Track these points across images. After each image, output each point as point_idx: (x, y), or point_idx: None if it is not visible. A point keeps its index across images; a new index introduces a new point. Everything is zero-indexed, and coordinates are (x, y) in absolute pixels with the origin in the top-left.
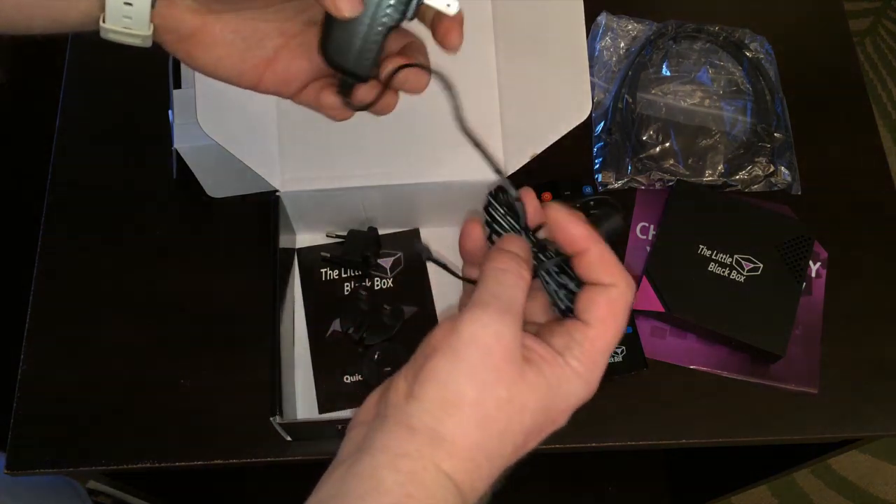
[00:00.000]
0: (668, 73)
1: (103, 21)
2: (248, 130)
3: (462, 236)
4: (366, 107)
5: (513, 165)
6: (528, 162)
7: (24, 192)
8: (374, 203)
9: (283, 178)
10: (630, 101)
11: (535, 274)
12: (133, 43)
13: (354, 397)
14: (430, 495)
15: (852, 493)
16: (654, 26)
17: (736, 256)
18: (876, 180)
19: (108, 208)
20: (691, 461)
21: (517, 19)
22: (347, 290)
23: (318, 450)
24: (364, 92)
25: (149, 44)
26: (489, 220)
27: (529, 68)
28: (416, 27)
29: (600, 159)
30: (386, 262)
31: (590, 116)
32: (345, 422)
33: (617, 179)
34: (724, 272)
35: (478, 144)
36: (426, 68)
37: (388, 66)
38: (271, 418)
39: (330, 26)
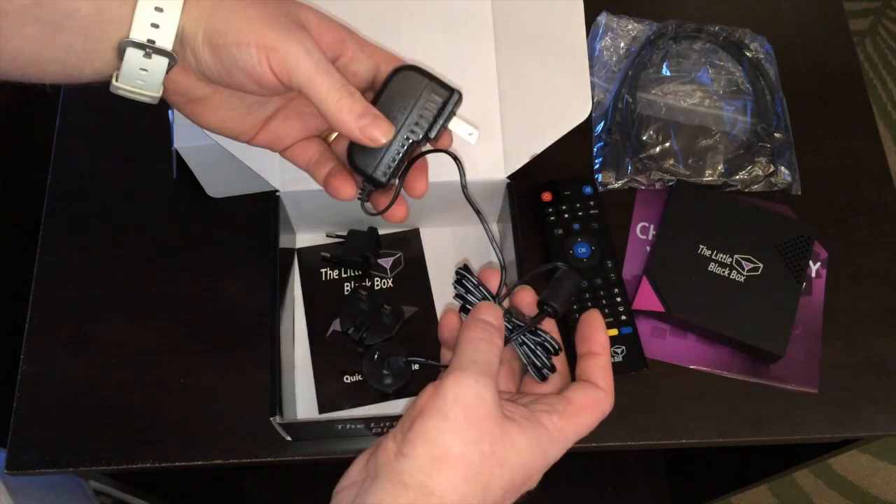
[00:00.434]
0: (668, 73)
1: (116, 80)
2: None
3: (441, 326)
4: (380, 212)
5: (513, 165)
6: (528, 162)
7: (24, 192)
8: None
9: (283, 178)
10: (630, 101)
11: (507, 341)
12: (141, 101)
13: (354, 397)
14: None
15: (852, 493)
16: (654, 26)
17: (736, 256)
18: (876, 180)
19: (108, 208)
20: (691, 461)
21: (517, 19)
22: (347, 290)
23: (318, 450)
24: (378, 198)
25: (156, 102)
26: (461, 292)
27: (529, 68)
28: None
29: (600, 159)
30: (386, 262)
31: (590, 116)
32: (345, 421)
33: (617, 179)
34: (724, 272)
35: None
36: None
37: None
38: (271, 418)
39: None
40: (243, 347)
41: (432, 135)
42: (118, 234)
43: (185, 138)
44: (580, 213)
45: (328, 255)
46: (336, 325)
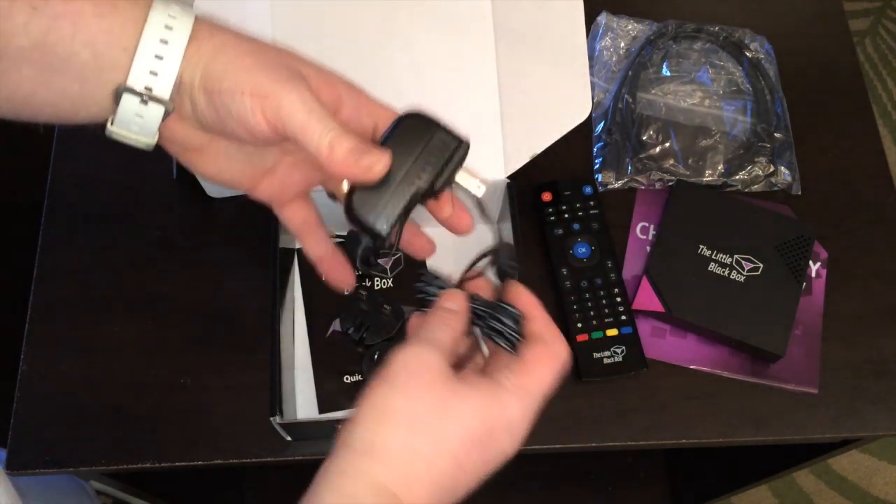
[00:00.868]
0: (668, 73)
1: (111, 124)
2: None
3: (409, 330)
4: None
5: (513, 165)
6: (528, 162)
7: (24, 192)
8: None
9: None
10: (630, 101)
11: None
12: (135, 146)
13: (354, 397)
14: None
15: (852, 493)
16: (654, 26)
17: (736, 256)
18: (876, 180)
19: (108, 208)
20: (691, 461)
21: (517, 19)
22: (347, 290)
23: (318, 450)
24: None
25: (151, 149)
26: (422, 287)
27: (529, 68)
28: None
29: (600, 159)
30: (386, 262)
31: (590, 116)
32: (345, 421)
33: (617, 179)
34: (724, 272)
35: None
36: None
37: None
38: (271, 418)
39: (357, 189)
40: (243, 347)
41: (437, 186)
42: (118, 235)
43: None
44: (580, 213)
45: None
46: (336, 325)
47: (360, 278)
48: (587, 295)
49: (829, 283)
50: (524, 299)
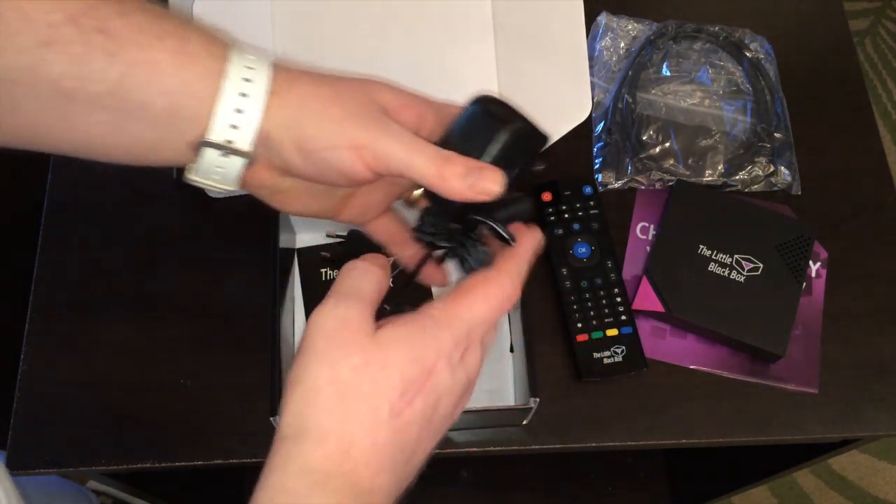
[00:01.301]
0: (668, 73)
1: (191, 173)
2: None
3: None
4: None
5: None
6: None
7: (24, 193)
8: None
9: None
10: (630, 101)
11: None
12: (217, 190)
13: None
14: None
15: (852, 493)
16: (654, 26)
17: (736, 256)
18: (876, 180)
19: (108, 208)
20: (691, 461)
21: (517, 19)
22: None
23: None
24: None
25: (234, 193)
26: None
27: (529, 68)
28: None
29: (600, 159)
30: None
31: (590, 116)
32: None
33: (617, 179)
34: (724, 272)
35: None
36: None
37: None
38: (271, 418)
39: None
40: (243, 347)
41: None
42: (118, 234)
43: None
44: (580, 213)
45: (328, 255)
46: None
47: None
48: (587, 295)
49: (829, 283)
50: (527, 235)
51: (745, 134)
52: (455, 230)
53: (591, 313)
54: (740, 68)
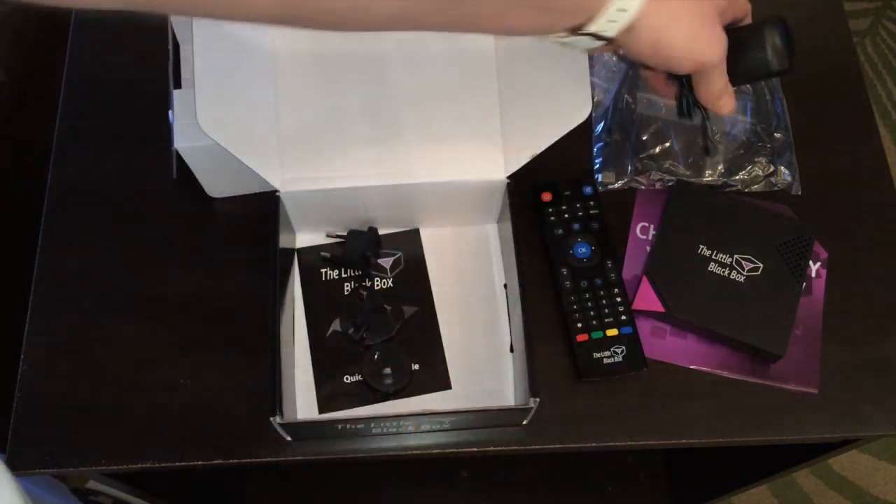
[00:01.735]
0: None
1: (550, 39)
2: (248, 130)
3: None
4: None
5: (513, 165)
6: (528, 162)
7: (24, 192)
8: (374, 203)
9: (283, 178)
10: (630, 100)
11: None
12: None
13: (354, 397)
14: None
15: (852, 493)
16: None
17: (736, 256)
18: (876, 180)
19: (108, 208)
20: (691, 461)
21: None
22: (347, 290)
23: (318, 450)
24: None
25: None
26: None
27: (529, 68)
28: None
29: (600, 159)
30: (386, 262)
31: (590, 116)
32: (345, 421)
33: (617, 179)
34: (724, 272)
35: None
36: None
37: None
38: (271, 418)
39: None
40: (243, 347)
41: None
42: (118, 235)
43: (185, 138)
44: (580, 213)
45: (328, 255)
46: (336, 325)
47: (359, 278)
48: (587, 295)
49: (829, 283)
50: None
51: (744, 134)
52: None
53: (591, 313)
54: None
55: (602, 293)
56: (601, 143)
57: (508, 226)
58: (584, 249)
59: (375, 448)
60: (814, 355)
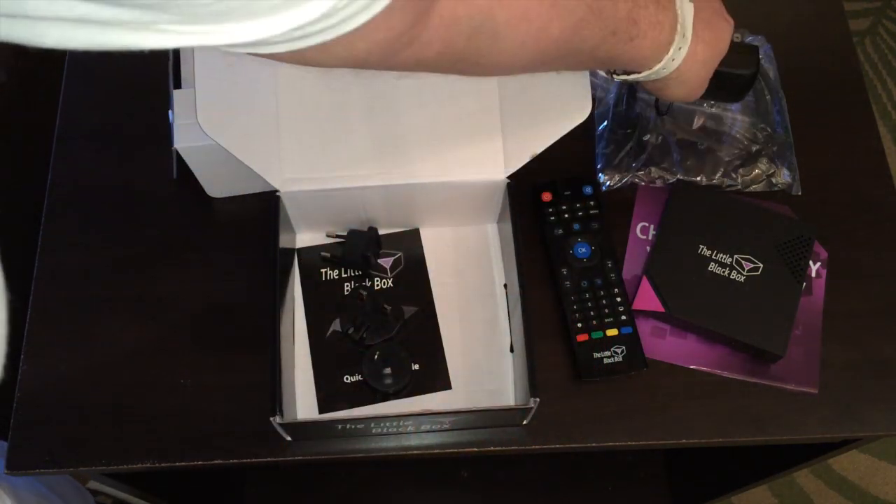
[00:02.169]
0: None
1: (613, 73)
2: (248, 130)
3: None
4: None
5: (513, 165)
6: (528, 162)
7: (24, 192)
8: (374, 203)
9: (283, 178)
10: (630, 101)
11: None
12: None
13: (354, 397)
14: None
15: (852, 493)
16: None
17: (736, 256)
18: (876, 180)
19: (108, 208)
20: (691, 461)
21: None
22: (347, 290)
23: (318, 450)
24: None
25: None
26: None
27: None
28: None
29: (601, 159)
30: (386, 262)
31: (590, 116)
32: (345, 421)
33: (617, 179)
34: (724, 272)
35: None
36: None
37: None
38: (271, 418)
39: None
40: (243, 347)
41: None
42: (118, 234)
43: (185, 138)
44: (580, 213)
45: (328, 255)
46: (336, 325)
47: (359, 278)
48: (587, 295)
49: (829, 283)
50: None
51: (745, 134)
52: None
53: (591, 313)
54: None
55: (602, 293)
56: (602, 143)
57: (508, 226)
58: (584, 249)
59: (375, 448)
60: (814, 355)
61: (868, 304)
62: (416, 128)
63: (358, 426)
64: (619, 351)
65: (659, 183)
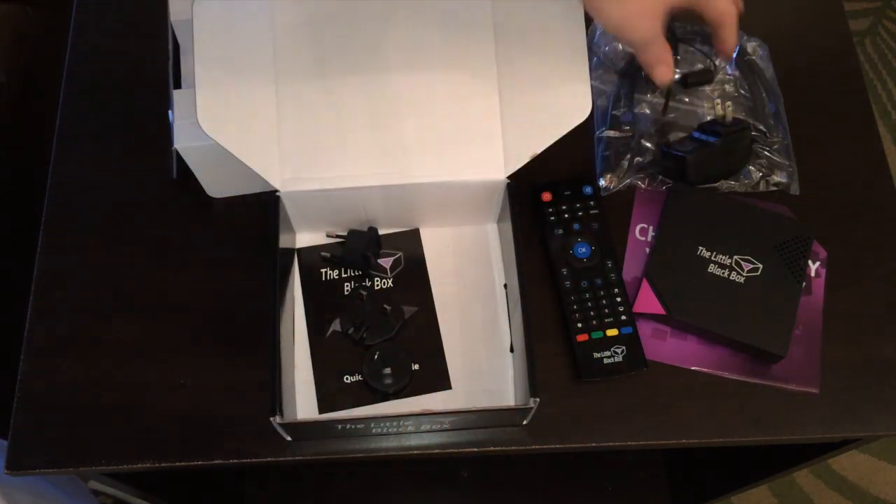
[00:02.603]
0: None
1: None
2: (248, 130)
3: None
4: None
5: (513, 165)
6: (529, 162)
7: (24, 192)
8: (374, 203)
9: (283, 178)
10: (630, 102)
11: None
12: None
13: (354, 397)
14: None
15: (852, 493)
16: None
17: (735, 257)
18: (876, 180)
19: (108, 208)
20: (691, 461)
21: (517, 19)
22: (347, 290)
23: (318, 450)
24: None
25: None
26: None
27: (529, 68)
28: None
29: (600, 159)
30: (386, 262)
31: (590, 116)
32: (345, 421)
33: (617, 180)
34: (723, 273)
35: None
36: None
37: None
38: (271, 418)
39: None
40: (243, 347)
41: None
42: (118, 235)
43: (185, 138)
44: (580, 213)
45: (328, 255)
46: (336, 325)
47: (359, 278)
48: (587, 295)
49: (829, 283)
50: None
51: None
52: None
53: (591, 313)
54: (738, 69)
55: (602, 293)
56: (601, 144)
57: (508, 226)
58: (584, 249)
59: (375, 448)
60: (814, 355)
61: (868, 304)
62: (416, 128)
63: (358, 426)
64: (619, 351)
65: (657, 185)
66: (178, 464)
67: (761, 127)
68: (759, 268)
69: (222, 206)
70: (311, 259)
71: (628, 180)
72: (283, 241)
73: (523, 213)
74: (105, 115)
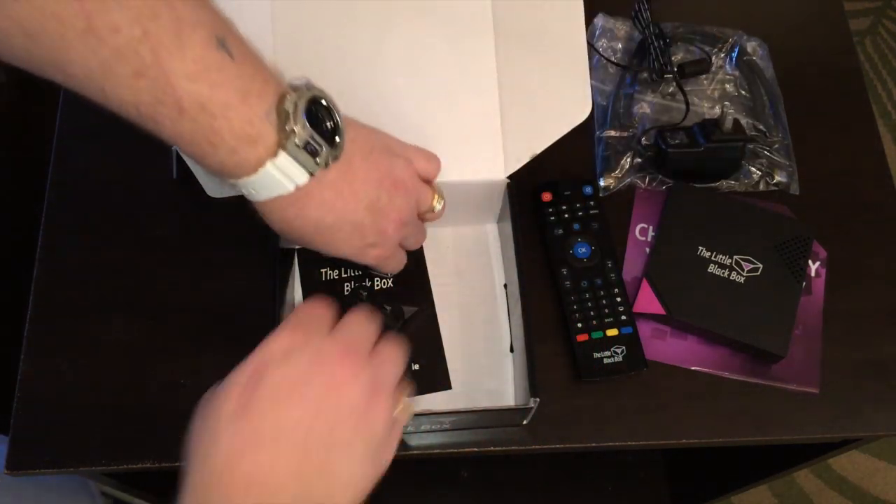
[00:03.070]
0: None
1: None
2: None
3: None
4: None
5: (513, 165)
6: (529, 162)
7: (24, 192)
8: None
9: None
10: (630, 102)
11: None
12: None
13: None
14: None
15: (852, 493)
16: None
17: (735, 257)
18: (876, 180)
19: (108, 208)
20: (691, 461)
21: (517, 19)
22: (347, 290)
23: None
24: None
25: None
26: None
27: (529, 68)
28: None
29: (600, 159)
30: None
31: (590, 116)
32: None
33: (617, 180)
34: (723, 273)
35: None
36: None
37: None
38: None
39: None
40: (243, 347)
41: None
42: (118, 234)
43: None
44: (580, 213)
45: (328, 255)
46: None
47: (359, 278)
48: (587, 295)
49: (829, 283)
50: None
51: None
52: None
53: (591, 313)
54: (737, 69)
55: (602, 293)
56: (601, 143)
57: (508, 226)
58: (584, 249)
59: None
60: (814, 355)
61: (868, 304)
62: (415, 128)
63: None
64: (619, 351)
65: (657, 185)
66: (178, 464)
67: (761, 127)
68: (759, 268)
69: (222, 206)
70: (311, 259)
71: (628, 180)
72: (284, 241)
73: (523, 213)
74: (105, 114)
